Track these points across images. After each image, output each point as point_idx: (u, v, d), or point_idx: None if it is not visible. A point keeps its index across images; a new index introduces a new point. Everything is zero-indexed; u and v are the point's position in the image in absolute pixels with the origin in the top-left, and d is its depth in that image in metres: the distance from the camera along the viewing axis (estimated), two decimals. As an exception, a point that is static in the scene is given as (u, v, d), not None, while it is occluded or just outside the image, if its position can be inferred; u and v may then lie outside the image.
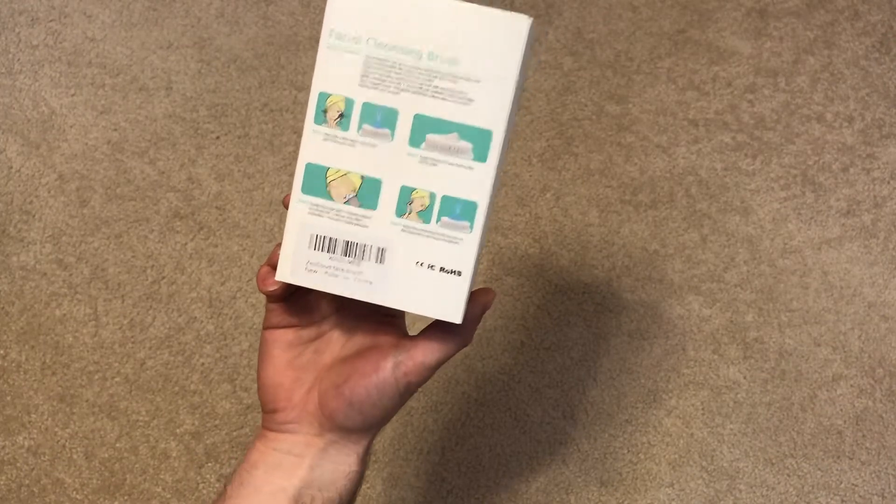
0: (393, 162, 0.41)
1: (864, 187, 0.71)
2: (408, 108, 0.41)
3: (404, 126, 0.41)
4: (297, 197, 0.42)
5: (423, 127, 0.41)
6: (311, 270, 0.42)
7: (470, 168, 0.41)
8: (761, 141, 0.72)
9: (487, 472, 0.67)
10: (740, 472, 0.67)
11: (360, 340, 0.46)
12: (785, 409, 0.68)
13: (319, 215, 0.42)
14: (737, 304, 0.69)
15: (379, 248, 0.42)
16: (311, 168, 0.41)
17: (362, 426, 0.44)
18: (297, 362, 0.45)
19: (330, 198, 0.41)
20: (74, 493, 0.66)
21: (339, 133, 0.41)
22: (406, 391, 0.44)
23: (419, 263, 0.42)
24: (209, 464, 0.67)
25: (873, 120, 0.72)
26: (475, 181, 0.41)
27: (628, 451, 0.67)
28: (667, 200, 0.71)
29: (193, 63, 0.73)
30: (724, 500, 0.67)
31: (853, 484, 0.67)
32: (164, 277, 0.69)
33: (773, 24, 0.74)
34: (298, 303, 0.45)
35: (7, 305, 0.68)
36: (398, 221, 0.41)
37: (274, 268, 0.43)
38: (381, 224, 0.41)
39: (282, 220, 0.70)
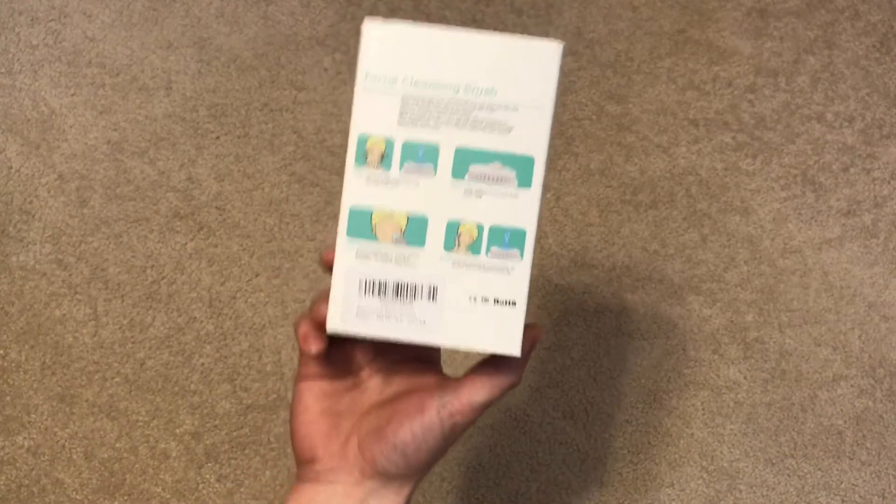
0: (438, 197, 0.41)
1: (864, 187, 0.71)
2: (448, 141, 0.41)
3: (446, 160, 0.41)
4: (343, 241, 0.41)
5: (466, 159, 0.41)
6: (362, 317, 0.41)
7: (515, 196, 0.41)
8: (761, 141, 0.72)
9: (487, 472, 0.67)
10: (740, 472, 0.67)
11: (399, 385, 0.44)
12: (785, 410, 0.68)
13: (367, 258, 0.41)
14: (737, 304, 0.69)
15: (431, 286, 0.41)
16: (355, 211, 0.41)
17: (405, 471, 0.42)
18: (334, 410, 0.44)
19: (376, 239, 0.41)
20: (74, 493, 0.66)
21: (382, 173, 0.41)
22: (451, 433, 0.42)
23: (472, 298, 0.41)
24: (209, 464, 0.67)
25: (874, 120, 0.72)
26: (521, 208, 0.41)
27: (628, 452, 0.67)
28: (667, 200, 0.71)
29: (193, 63, 0.73)
30: (724, 500, 0.67)
31: (853, 484, 0.67)
32: (164, 277, 0.69)
33: (774, 24, 0.74)
34: (335, 353, 0.44)
35: (7, 305, 0.68)
36: (448, 256, 0.41)
37: (316, 324, 0.42)
38: (430, 261, 0.41)
39: (282, 220, 0.70)
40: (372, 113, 0.41)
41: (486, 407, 0.42)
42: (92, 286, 0.69)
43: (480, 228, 0.41)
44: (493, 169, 0.41)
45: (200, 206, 0.70)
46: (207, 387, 0.68)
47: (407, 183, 0.41)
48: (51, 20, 0.73)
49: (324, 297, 0.42)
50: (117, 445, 0.67)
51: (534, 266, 0.70)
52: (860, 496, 0.67)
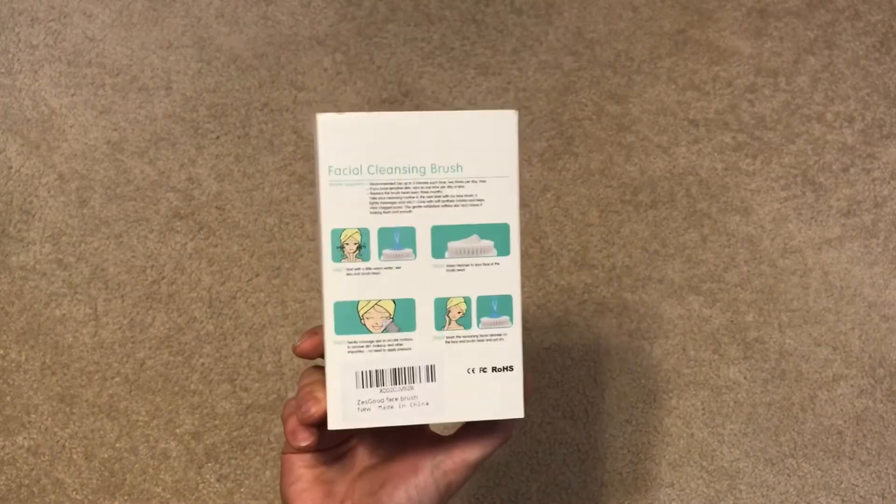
0: (421, 278, 0.41)
1: (864, 187, 0.71)
2: (423, 222, 0.41)
3: (424, 241, 0.41)
4: (332, 339, 0.40)
5: (443, 237, 0.41)
6: (364, 409, 0.40)
7: (497, 264, 0.41)
8: (762, 141, 0.72)
9: (487, 473, 0.67)
10: (740, 472, 0.67)
11: (389, 447, 0.44)
12: (785, 409, 0.68)
13: (360, 351, 0.41)
14: (737, 304, 0.69)
15: (428, 367, 0.41)
16: (339, 307, 0.41)
17: None
18: (326, 477, 0.43)
19: (367, 330, 0.41)
20: (74, 493, 0.66)
21: (361, 265, 0.41)
22: (446, 492, 0.42)
23: (470, 370, 0.41)
24: (209, 464, 0.67)
25: (874, 120, 0.72)
26: (504, 275, 0.41)
27: (628, 451, 0.67)
28: (667, 200, 0.71)
29: (193, 63, 0.73)
30: (725, 500, 0.67)
31: (853, 484, 0.67)
32: (164, 277, 0.69)
33: (774, 24, 0.74)
34: (322, 433, 0.43)
35: (7, 305, 0.68)
36: (440, 334, 0.41)
37: (302, 422, 0.41)
38: (423, 342, 0.41)
39: (282, 220, 0.70)
40: (341, 206, 0.40)
41: (479, 464, 0.42)
42: (92, 286, 0.69)
43: (468, 301, 0.41)
44: (472, 242, 0.41)
45: (200, 206, 0.70)
46: (207, 387, 0.68)
47: (388, 270, 0.41)
48: (51, 20, 0.73)
49: (310, 395, 0.41)
50: (117, 445, 0.67)
51: (533, 272, 0.70)
52: (860, 496, 0.67)
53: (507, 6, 0.74)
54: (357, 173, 0.40)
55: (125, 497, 0.66)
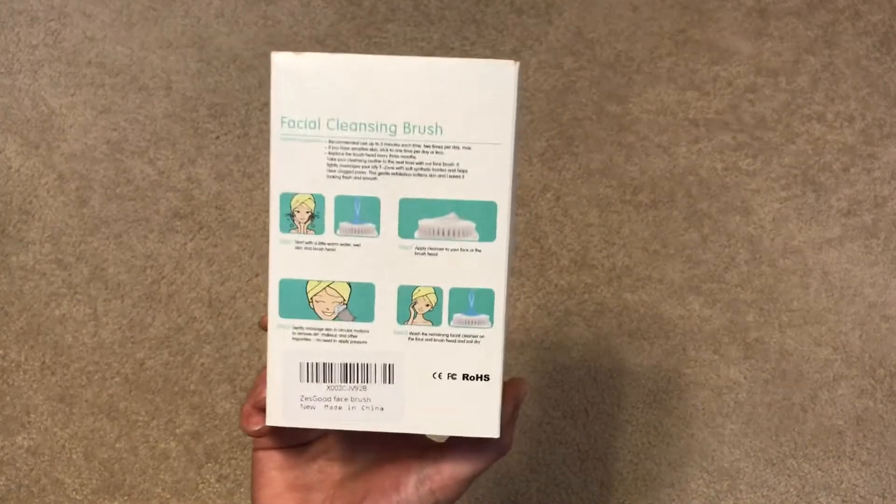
0: (384, 260, 0.34)
1: (864, 187, 0.71)
2: (390, 193, 0.34)
3: (390, 215, 0.34)
4: (276, 322, 0.35)
5: (413, 212, 0.34)
6: (307, 407, 0.35)
7: (477, 250, 0.34)
8: (762, 141, 0.72)
9: (488, 473, 0.67)
10: (741, 472, 0.67)
11: (372, 450, 0.40)
12: (785, 410, 0.68)
13: (307, 339, 0.35)
14: (737, 305, 0.69)
15: (385, 365, 0.35)
16: (286, 285, 0.35)
17: None
18: (301, 482, 0.39)
19: (315, 316, 0.35)
20: (74, 493, 0.66)
21: (314, 238, 0.34)
22: None
23: (436, 375, 0.35)
24: (209, 464, 0.67)
25: (874, 120, 0.72)
26: (487, 265, 0.34)
27: (628, 452, 0.67)
28: (667, 200, 0.71)
29: (193, 63, 0.73)
30: (725, 500, 0.67)
31: (854, 484, 0.67)
32: (163, 277, 0.69)
33: (774, 24, 0.74)
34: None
35: (7, 305, 0.68)
36: (402, 329, 0.35)
37: (257, 406, 0.37)
38: (382, 336, 0.35)
39: (282, 220, 0.70)
40: (294, 166, 0.34)
41: (471, 481, 0.37)
42: (92, 286, 0.69)
43: (439, 293, 0.35)
44: (448, 221, 0.34)
45: (200, 206, 0.70)
46: (207, 387, 0.68)
47: (345, 246, 0.34)
48: (51, 20, 0.73)
49: (265, 377, 0.36)
50: (117, 445, 0.67)
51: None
52: (861, 496, 0.67)
53: (507, 6, 0.74)
54: (314, 127, 0.34)
55: (125, 497, 0.66)
